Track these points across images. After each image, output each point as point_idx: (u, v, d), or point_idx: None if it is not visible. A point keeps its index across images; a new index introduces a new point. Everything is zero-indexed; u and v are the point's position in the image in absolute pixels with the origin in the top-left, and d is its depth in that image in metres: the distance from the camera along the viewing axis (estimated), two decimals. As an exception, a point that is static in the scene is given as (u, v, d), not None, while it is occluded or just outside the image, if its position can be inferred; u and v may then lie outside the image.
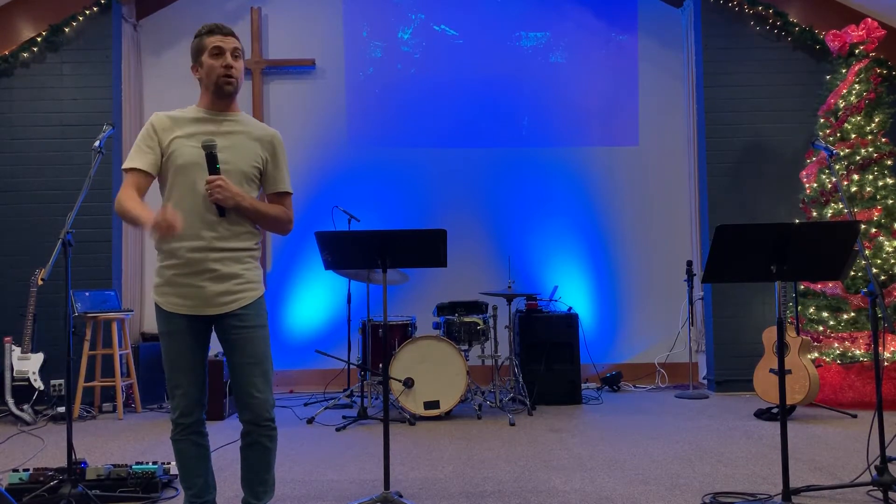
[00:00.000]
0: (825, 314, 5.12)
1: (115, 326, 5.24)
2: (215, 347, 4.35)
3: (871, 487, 3.02)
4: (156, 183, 2.47)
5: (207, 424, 2.56)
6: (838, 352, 4.96)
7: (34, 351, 5.09)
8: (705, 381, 6.03)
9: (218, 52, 2.40)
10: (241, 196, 2.37)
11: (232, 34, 2.45)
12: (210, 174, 2.33)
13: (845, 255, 2.71)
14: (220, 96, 2.42)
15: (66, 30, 5.78)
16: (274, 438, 2.48)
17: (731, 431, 4.31)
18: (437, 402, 4.77)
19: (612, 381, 5.94)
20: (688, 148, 6.34)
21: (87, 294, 5.33)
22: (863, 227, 5.13)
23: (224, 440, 4.06)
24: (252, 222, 2.46)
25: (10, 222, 5.71)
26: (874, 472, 2.92)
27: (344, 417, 4.80)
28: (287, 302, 6.31)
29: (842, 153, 5.32)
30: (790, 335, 4.66)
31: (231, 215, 2.39)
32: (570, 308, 5.66)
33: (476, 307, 5.27)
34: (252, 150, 2.44)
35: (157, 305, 2.44)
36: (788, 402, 4.59)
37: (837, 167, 5.32)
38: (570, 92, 6.48)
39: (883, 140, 5.33)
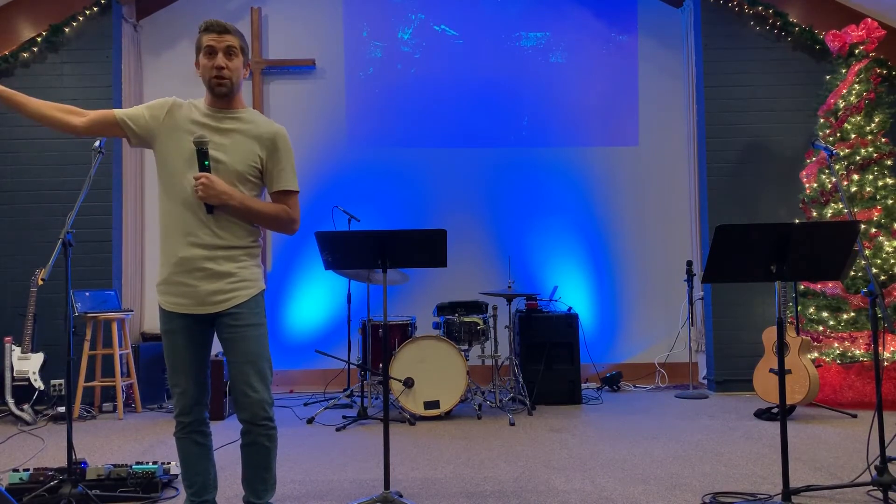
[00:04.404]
0: (825, 314, 5.12)
1: (115, 326, 5.24)
2: (217, 347, 4.35)
3: (871, 487, 3.02)
4: (153, 184, 2.48)
5: (207, 424, 2.56)
6: (838, 352, 4.97)
7: (34, 351, 5.09)
8: (705, 381, 6.03)
9: (210, 52, 2.38)
10: (229, 194, 2.32)
11: (227, 31, 2.39)
12: (199, 171, 2.31)
13: (845, 255, 2.71)
14: (214, 95, 2.41)
15: (67, 30, 5.78)
16: (273, 438, 2.46)
17: (731, 431, 4.31)
18: (437, 402, 4.77)
19: (612, 381, 5.94)
20: (688, 148, 6.34)
21: (87, 294, 5.33)
22: (863, 227, 5.13)
23: (224, 440, 4.05)
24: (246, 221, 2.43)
25: (10, 222, 5.71)
26: (874, 472, 2.92)
27: (344, 417, 4.80)
28: (287, 302, 6.31)
29: (842, 153, 5.32)
30: (790, 335, 4.66)
31: (223, 213, 2.37)
32: (570, 308, 5.66)
33: (476, 307, 5.27)
34: (249, 150, 2.40)
35: (159, 304, 2.45)
36: (788, 402, 4.59)
37: (837, 167, 5.32)
38: (570, 92, 6.48)
39: (883, 140, 5.33)
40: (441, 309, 5.32)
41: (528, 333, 5.39)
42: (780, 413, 2.74)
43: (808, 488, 3.06)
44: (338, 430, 4.52)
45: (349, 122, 6.44)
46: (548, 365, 5.32)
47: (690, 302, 6.01)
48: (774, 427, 4.38)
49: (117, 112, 2.44)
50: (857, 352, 4.91)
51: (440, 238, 2.99)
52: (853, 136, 5.33)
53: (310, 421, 4.75)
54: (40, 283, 3.13)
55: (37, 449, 4.10)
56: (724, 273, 2.78)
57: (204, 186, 2.28)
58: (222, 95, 2.40)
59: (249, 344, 2.40)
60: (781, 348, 2.75)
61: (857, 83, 5.38)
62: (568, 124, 6.48)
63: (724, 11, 5.98)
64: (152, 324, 6.19)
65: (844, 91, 5.40)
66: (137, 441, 4.29)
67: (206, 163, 2.32)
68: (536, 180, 6.44)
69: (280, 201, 2.47)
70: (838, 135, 5.40)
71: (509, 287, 5.33)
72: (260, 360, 2.42)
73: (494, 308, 5.31)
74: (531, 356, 5.35)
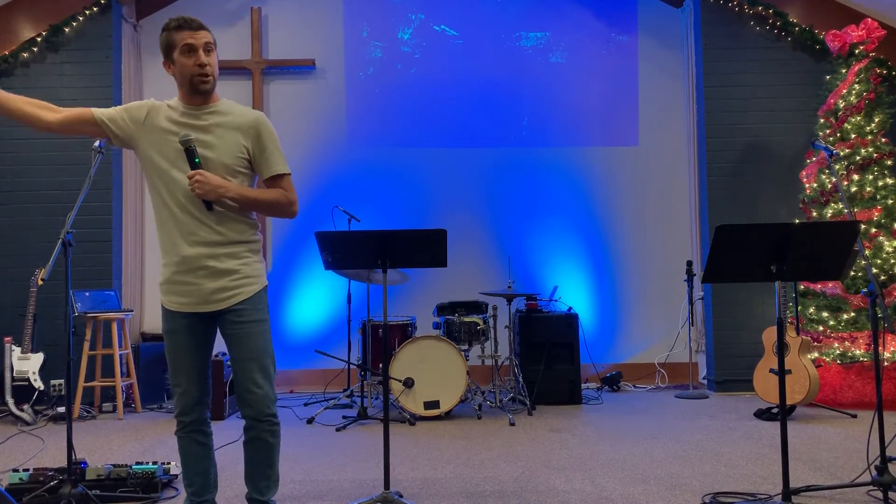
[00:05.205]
0: (825, 314, 5.12)
1: (115, 326, 5.24)
2: (217, 346, 4.35)
3: (871, 487, 3.02)
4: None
5: (207, 424, 2.56)
6: (838, 352, 4.97)
7: (34, 351, 5.09)
8: (705, 381, 6.03)
9: (189, 50, 2.33)
10: (225, 187, 2.31)
11: (202, 27, 2.36)
12: (191, 169, 2.30)
13: (845, 255, 2.71)
14: (195, 93, 2.38)
15: (66, 30, 5.78)
16: (276, 434, 2.46)
17: (731, 431, 4.31)
18: (437, 402, 4.77)
19: (612, 381, 5.93)
20: (688, 148, 6.34)
21: (87, 294, 5.33)
22: (863, 227, 5.13)
23: (225, 440, 4.05)
24: (246, 212, 2.41)
25: (10, 222, 5.71)
26: (874, 472, 2.92)
27: (344, 417, 4.80)
28: (287, 301, 6.31)
29: (842, 153, 5.32)
30: (790, 335, 4.66)
31: (221, 208, 2.36)
32: (570, 308, 5.66)
33: (476, 307, 5.27)
34: (233, 142, 2.38)
35: (161, 304, 2.45)
36: (788, 402, 4.59)
37: (837, 167, 5.32)
38: (570, 92, 6.48)
39: (883, 140, 5.33)
40: (441, 309, 5.32)
41: (528, 333, 5.39)
42: (780, 413, 2.74)
43: (808, 488, 3.06)
44: (338, 430, 4.52)
45: (349, 122, 6.44)
46: (548, 365, 5.32)
47: (690, 302, 6.01)
48: (774, 427, 4.38)
49: (95, 111, 2.40)
50: (857, 352, 4.91)
51: (440, 238, 2.99)
52: (853, 136, 5.33)
53: (310, 421, 4.75)
54: (40, 283, 3.13)
55: (37, 449, 4.10)
56: (724, 273, 2.78)
57: (199, 183, 2.27)
58: (206, 93, 2.38)
59: (253, 340, 2.40)
60: (781, 348, 2.75)
61: (857, 83, 5.38)
62: (568, 124, 6.48)
63: (724, 11, 5.98)
64: (152, 324, 6.19)
65: (844, 91, 5.40)
66: (137, 441, 4.29)
67: (197, 160, 2.30)
68: (536, 180, 6.44)
69: (274, 186, 2.45)
70: (838, 135, 5.40)
71: (509, 287, 5.33)
72: (264, 356, 2.42)
73: (494, 308, 5.31)
74: (531, 356, 5.35)
